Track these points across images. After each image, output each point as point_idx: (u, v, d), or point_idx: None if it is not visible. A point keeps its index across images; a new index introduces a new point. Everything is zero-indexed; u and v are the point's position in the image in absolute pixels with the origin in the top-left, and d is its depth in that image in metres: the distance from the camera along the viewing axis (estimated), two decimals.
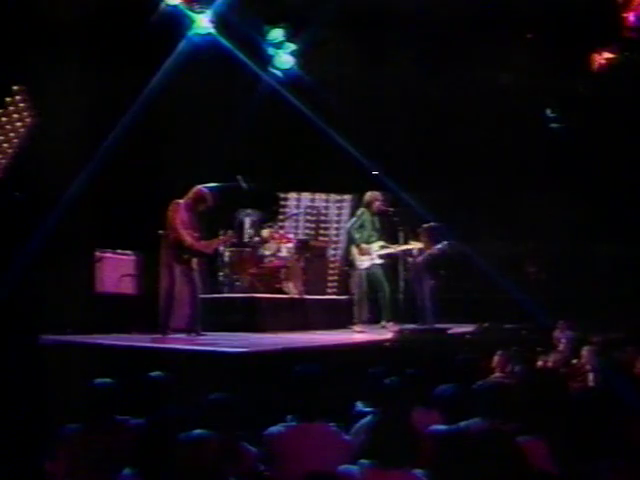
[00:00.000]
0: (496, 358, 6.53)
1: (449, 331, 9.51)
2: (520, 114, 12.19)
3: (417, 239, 10.17)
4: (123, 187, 9.59)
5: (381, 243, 10.31)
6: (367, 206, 10.37)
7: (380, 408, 4.84)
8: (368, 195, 10.41)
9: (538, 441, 4.28)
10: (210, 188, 9.10)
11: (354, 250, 10.40)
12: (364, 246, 10.28)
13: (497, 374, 6.25)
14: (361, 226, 10.34)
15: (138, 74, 9.94)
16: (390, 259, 10.44)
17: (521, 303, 10.35)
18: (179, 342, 8.12)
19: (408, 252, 10.31)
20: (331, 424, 4.63)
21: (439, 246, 10.07)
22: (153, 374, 5.33)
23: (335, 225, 12.92)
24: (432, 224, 10.18)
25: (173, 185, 9.39)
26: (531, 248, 12.37)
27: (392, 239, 10.37)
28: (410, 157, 12.02)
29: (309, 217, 12.89)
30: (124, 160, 9.58)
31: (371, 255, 10.27)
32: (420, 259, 10.28)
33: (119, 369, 5.65)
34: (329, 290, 12.19)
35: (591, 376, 6.28)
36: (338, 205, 13.07)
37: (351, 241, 10.47)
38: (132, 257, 10.16)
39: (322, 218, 12.93)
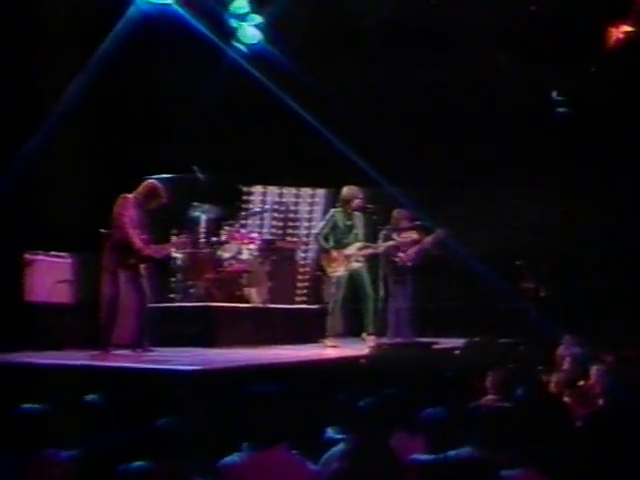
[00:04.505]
0: (490, 378, 6.53)
1: (435, 346, 9.54)
2: (522, 98, 12.26)
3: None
4: (58, 177, 9.52)
5: (359, 244, 10.31)
6: (344, 203, 10.37)
7: (353, 434, 4.81)
8: (346, 191, 10.42)
9: (537, 475, 4.28)
10: (162, 180, 9.06)
11: (324, 258, 10.45)
12: (335, 253, 10.27)
13: (491, 396, 6.23)
14: (333, 228, 10.34)
15: (80, 47, 9.88)
16: (373, 260, 10.46)
17: (519, 314, 10.43)
18: (122, 359, 8.09)
19: (392, 250, 10.35)
20: (294, 452, 4.60)
21: (433, 236, 10.14)
22: (89, 397, 5.27)
23: (306, 224, 12.98)
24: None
25: (119, 176, 9.34)
26: (529, 256, 12.43)
27: (371, 241, 10.42)
28: (395, 147, 12.07)
29: (276, 214, 12.93)
30: (59, 146, 9.51)
31: (347, 260, 10.25)
32: (411, 252, 10.32)
33: (51, 392, 5.58)
34: (298, 298, 12.25)
35: (601, 400, 6.30)
36: (310, 201, 13.14)
37: (320, 248, 10.51)
38: (68, 260, 10.07)
39: (291, 216, 13.00)
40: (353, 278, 10.24)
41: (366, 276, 10.29)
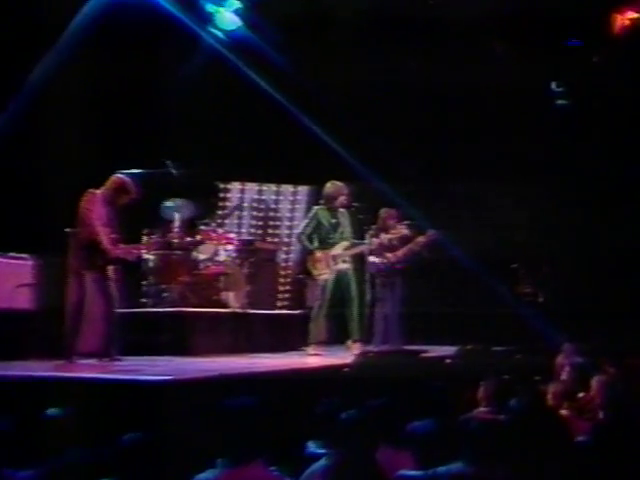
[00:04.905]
0: (482, 388, 6.55)
1: (424, 354, 9.56)
2: (519, 89, 12.30)
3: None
4: (18, 171, 9.49)
5: (346, 243, 10.31)
6: (328, 201, 10.36)
7: (336, 449, 4.81)
8: (330, 187, 10.41)
9: None
10: (132, 175, 9.04)
11: (308, 260, 10.44)
12: (319, 254, 10.27)
13: (483, 408, 6.27)
14: (317, 227, 10.34)
15: (37, 34, 9.87)
16: (360, 261, 10.46)
17: (515, 320, 10.46)
18: (89, 370, 8.06)
19: (380, 250, 10.37)
20: (273, 469, 4.60)
21: (424, 238, 10.18)
22: (51, 411, 5.24)
23: (287, 223, 12.99)
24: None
25: (86, 171, 9.30)
26: (526, 259, 12.47)
27: (358, 240, 10.43)
28: (383, 139, 12.09)
29: (255, 213, 12.92)
30: (20, 138, 9.48)
31: (334, 262, 10.26)
32: (400, 253, 10.33)
33: (11, 406, 5.58)
34: (279, 303, 12.23)
35: (602, 413, 6.32)
36: (292, 199, 13.13)
37: (304, 249, 10.51)
38: (29, 262, 9.99)
39: (272, 214, 13.00)
40: (339, 280, 10.23)
41: (352, 278, 10.30)
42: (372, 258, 10.56)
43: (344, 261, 10.30)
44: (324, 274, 10.26)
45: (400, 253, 10.62)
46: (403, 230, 10.52)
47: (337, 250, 10.29)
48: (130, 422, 5.27)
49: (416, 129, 12.36)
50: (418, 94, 12.29)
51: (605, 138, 12.11)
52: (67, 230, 8.86)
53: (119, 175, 8.85)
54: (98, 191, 8.69)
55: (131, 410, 6.05)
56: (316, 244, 10.32)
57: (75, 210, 8.64)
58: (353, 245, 10.34)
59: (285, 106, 11.73)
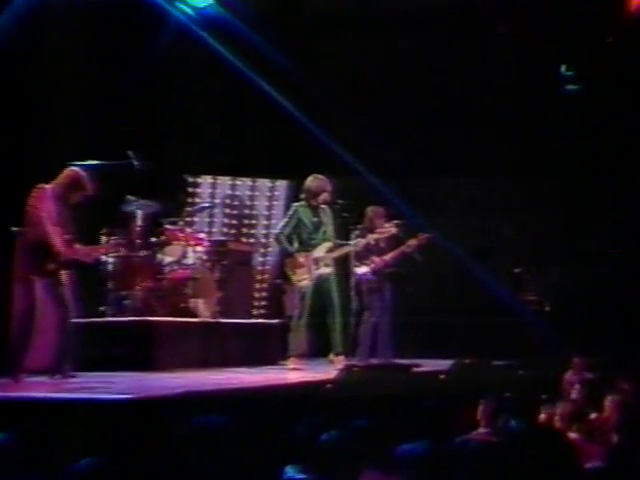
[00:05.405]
0: (481, 407, 6.55)
1: (416, 369, 9.57)
2: (525, 72, 12.32)
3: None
4: None
5: (328, 244, 10.31)
6: (309, 197, 10.36)
7: (317, 473, 4.80)
8: (311, 182, 10.42)
9: None
10: (88, 168, 8.99)
11: (287, 264, 10.44)
12: (301, 258, 10.27)
13: (482, 430, 6.27)
14: (297, 227, 10.34)
15: None
16: (344, 265, 10.46)
17: (518, 330, 10.47)
18: (37, 388, 8.00)
19: (366, 251, 10.37)
20: None
21: (415, 241, 10.21)
22: None
23: (264, 222, 13.01)
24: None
25: (34, 163, 9.25)
26: (531, 263, 12.49)
27: (342, 240, 10.47)
28: (371, 128, 12.10)
29: (228, 210, 12.93)
30: None
31: (315, 265, 10.26)
32: (388, 257, 10.33)
33: None
34: (255, 311, 12.28)
35: (616, 437, 6.33)
36: (269, 194, 13.13)
37: (283, 251, 10.51)
38: None
39: (246, 212, 13.00)
40: (320, 286, 10.25)
41: (334, 284, 10.31)
42: (358, 261, 10.54)
43: (326, 265, 10.30)
44: (304, 280, 10.27)
45: (389, 257, 10.65)
46: (392, 229, 10.52)
47: (319, 252, 10.30)
48: (85, 447, 5.31)
49: (409, 116, 12.36)
50: (410, 77, 12.33)
51: (621, 128, 12.12)
52: (13, 230, 8.78)
53: (73, 168, 8.81)
54: (48, 186, 8.64)
55: (86, 433, 6.03)
56: (297, 245, 10.34)
57: (22, 208, 8.58)
58: (337, 246, 10.34)
59: (262, 90, 11.73)
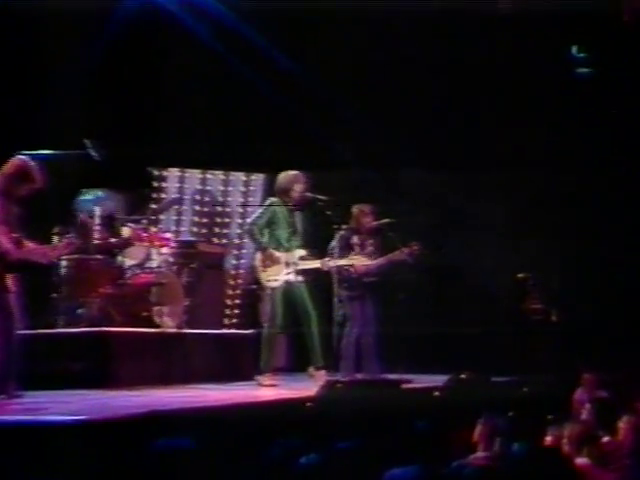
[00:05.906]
0: (479, 428, 6.55)
1: (406, 385, 9.59)
2: (533, 55, 12.39)
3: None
4: None
5: (302, 252, 10.33)
6: (281, 193, 10.38)
7: None
8: (282, 178, 10.43)
9: None
10: (37, 158, 8.95)
11: (258, 258, 10.43)
12: (274, 253, 10.27)
13: (480, 453, 6.27)
14: (270, 223, 10.34)
15: None
16: (319, 272, 10.49)
17: (522, 343, 10.48)
18: None
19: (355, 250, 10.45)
20: None
21: (403, 253, 10.26)
22: None
23: (238, 220, 12.99)
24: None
25: None
26: (536, 267, 12.51)
27: (319, 245, 10.48)
28: (358, 115, 12.16)
29: (198, 207, 12.94)
30: None
31: (286, 268, 10.25)
32: (374, 264, 10.40)
33: None
34: (227, 321, 12.33)
35: (631, 462, 6.33)
36: (243, 190, 13.13)
37: (255, 244, 10.51)
38: None
39: (219, 209, 13.00)
40: (289, 292, 10.25)
41: (305, 290, 10.30)
42: (335, 265, 10.49)
43: (297, 272, 10.28)
44: (274, 280, 10.27)
45: (374, 264, 10.62)
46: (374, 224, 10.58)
47: (292, 257, 10.28)
48: (33, 474, 5.30)
49: (402, 102, 12.37)
50: (404, 60, 12.34)
51: (636, 115, 12.18)
52: None
53: (20, 157, 8.73)
54: None
55: (35, 461, 5.99)
56: (269, 241, 10.30)
57: None
58: (308, 257, 10.32)
59: (237, 76, 11.75)
